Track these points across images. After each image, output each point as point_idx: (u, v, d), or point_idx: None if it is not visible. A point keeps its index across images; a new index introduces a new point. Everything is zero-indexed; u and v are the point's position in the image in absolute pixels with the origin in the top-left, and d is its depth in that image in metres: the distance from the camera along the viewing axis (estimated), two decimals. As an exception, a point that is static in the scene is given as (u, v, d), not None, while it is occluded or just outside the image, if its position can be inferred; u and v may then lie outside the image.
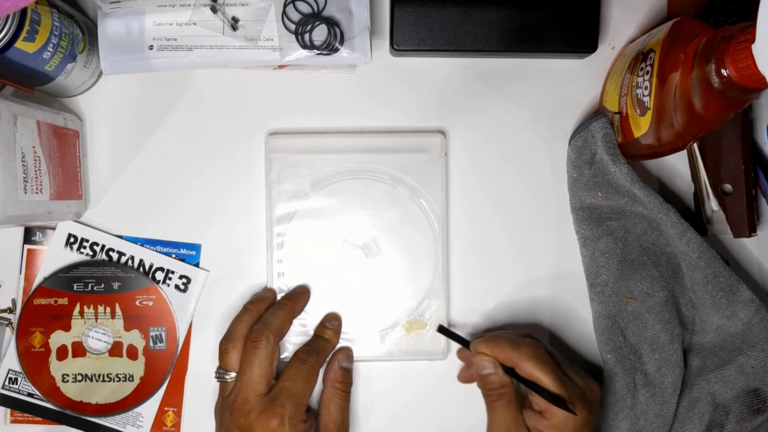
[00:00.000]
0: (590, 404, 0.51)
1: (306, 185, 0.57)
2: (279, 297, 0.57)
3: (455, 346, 0.58)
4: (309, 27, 0.52)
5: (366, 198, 0.57)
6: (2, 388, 0.57)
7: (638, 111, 0.50)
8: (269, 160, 0.57)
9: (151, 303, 0.58)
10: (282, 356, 0.57)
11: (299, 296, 0.57)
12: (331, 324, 0.57)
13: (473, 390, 0.56)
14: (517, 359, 0.51)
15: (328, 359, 0.57)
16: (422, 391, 0.59)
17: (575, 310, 0.59)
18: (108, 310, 0.58)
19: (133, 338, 0.58)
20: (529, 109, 0.58)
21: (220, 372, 0.54)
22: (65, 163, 0.54)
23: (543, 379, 0.50)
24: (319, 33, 0.52)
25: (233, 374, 0.53)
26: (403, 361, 0.58)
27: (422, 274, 0.58)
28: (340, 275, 0.58)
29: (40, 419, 0.58)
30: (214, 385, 0.58)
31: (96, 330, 0.58)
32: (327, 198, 0.57)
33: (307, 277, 0.58)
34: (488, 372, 0.52)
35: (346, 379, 0.56)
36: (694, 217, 0.58)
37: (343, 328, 0.58)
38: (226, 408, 0.52)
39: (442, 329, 0.55)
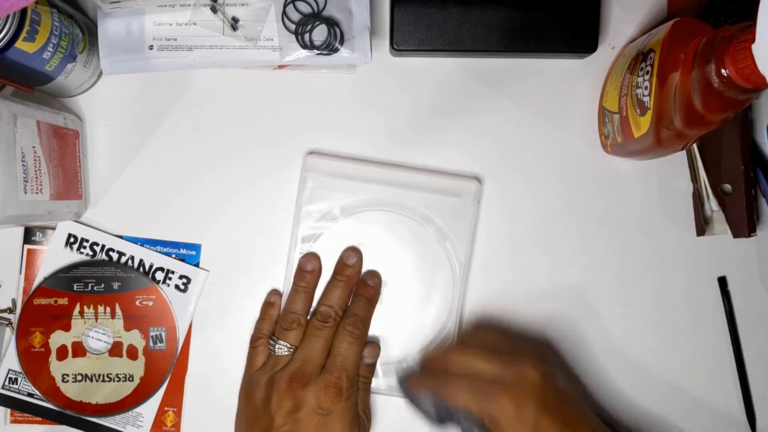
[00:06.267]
0: (523, 387, 0.49)
1: (336, 209, 0.57)
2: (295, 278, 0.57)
3: None
4: (309, 27, 0.52)
5: (393, 232, 0.57)
6: (2, 388, 0.57)
7: (638, 111, 0.50)
8: (304, 178, 0.57)
9: (151, 303, 0.58)
10: None
11: (351, 269, 0.56)
12: (372, 281, 0.57)
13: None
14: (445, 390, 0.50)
15: None
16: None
17: (576, 307, 0.59)
18: (108, 310, 0.58)
19: (133, 338, 0.58)
20: (529, 110, 0.58)
21: (280, 345, 0.54)
22: (65, 163, 0.54)
23: (478, 364, 0.50)
24: (319, 33, 0.52)
25: (292, 348, 0.54)
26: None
27: (437, 313, 0.57)
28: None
29: (40, 419, 0.58)
30: (214, 385, 0.58)
31: (96, 330, 0.58)
32: (355, 224, 0.57)
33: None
34: None
35: (369, 375, 0.56)
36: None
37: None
38: (281, 379, 0.52)
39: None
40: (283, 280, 0.58)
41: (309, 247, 0.57)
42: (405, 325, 0.57)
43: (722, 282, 0.59)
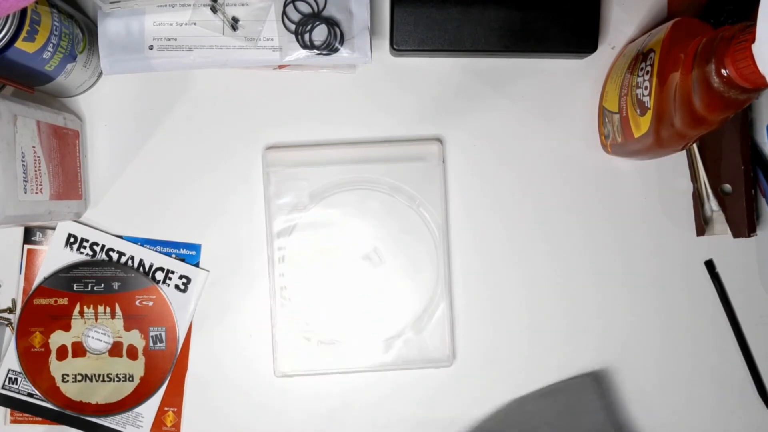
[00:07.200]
0: None
1: (305, 198, 0.57)
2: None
3: (461, 352, 0.58)
4: (309, 27, 0.52)
5: (365, 208, 0.57)
6: (2, 388, 0.57)
7: (638, 111, 0.50)
8: (267, 174, 0.57)
9: (151, 303, 0.58)
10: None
11: None
12: None
13: (479, 395, 0.56)
14: None
15: None
16: (428, 398, 0.59)
17: (577, 309, 0.59)
18: (108, 310, 0.58)
19: (133, 338, 0.58)
20: (529, 110, 0.58)
21: None
22: (65, 163, 0.54)
23: None
24: (319, 33, 0.52)
25: None
26: (409, 370, 0.58)
27: (425, 281, 0.58)
28: (343, 286, 0.58)
29: (40, 419, 0.58)
30: (214, 385, 0.58)
31: (96, 330, 0.58)
32: (327, 210, 0.57)
33: (309, 289, 0.57)
34: None
35: None
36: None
37: (348, 339, 0.57)
38: None
39: None
40: (267, 278, 0.58)
41: (285, 240, 0.57)
42: (396, 297, 0.58)
43: (710, 265, 0.59)
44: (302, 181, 0.57)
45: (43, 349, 0.57)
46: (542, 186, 0.59)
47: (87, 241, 0.57)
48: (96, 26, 0.53)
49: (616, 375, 0.59)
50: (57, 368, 0.58)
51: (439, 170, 0.57)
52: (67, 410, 0.58)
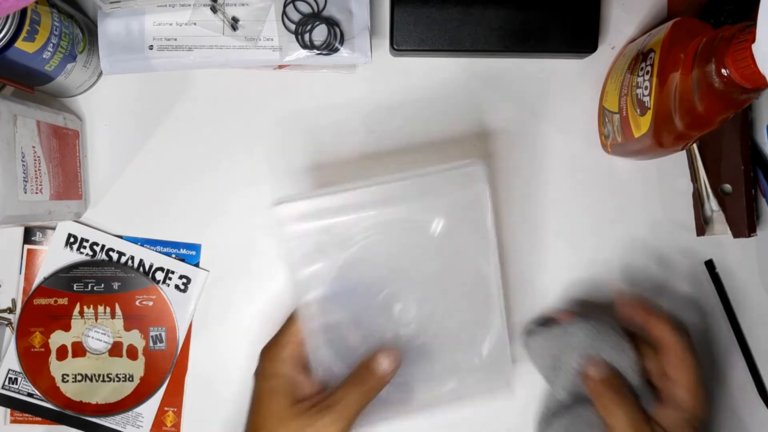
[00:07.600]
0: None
1: (333, 255, 0.47)
2: None
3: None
4: (309, 27, 0.52)
5: (401, 249, 0.49)
6: (2, 388, 0.57)
7: (638, 111, 0.50)
8: (288, 244, 0.46)
9: (151, 303, 0.58)
10: None
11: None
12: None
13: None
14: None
15: None
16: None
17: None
18: (108, 310, 0.58)
19: (133, 338, 0.58)
20: (528, 110, 0.58)
21: None
22: (65, 163, 0.54)
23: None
24: (319, 33, 0.53)
25: None
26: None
27: (478, 320, 0.51)
28: (392, 336, 0.50)
29: (40, 419, 0.58)
30: (214, 385, 0.58)
31: (96, 330, 0.58)
32: (360, 262, 0.48)
33: (360, 345, 0.49)
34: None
35: None
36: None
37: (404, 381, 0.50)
38: None
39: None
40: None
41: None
42: (449, 338, 0.51)
43: (710, 265, 0.59)
44: (326, 236, 0.47)
45: (43, 349, 0.57)
46: (542, 186, 0.59)
47: (87, 241, 0.57)
48: (96, 26, 0.53)
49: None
50: (57, 368, 0.58)
51: (486, 194, 0.48)
52: (67, 410, 0.58)
